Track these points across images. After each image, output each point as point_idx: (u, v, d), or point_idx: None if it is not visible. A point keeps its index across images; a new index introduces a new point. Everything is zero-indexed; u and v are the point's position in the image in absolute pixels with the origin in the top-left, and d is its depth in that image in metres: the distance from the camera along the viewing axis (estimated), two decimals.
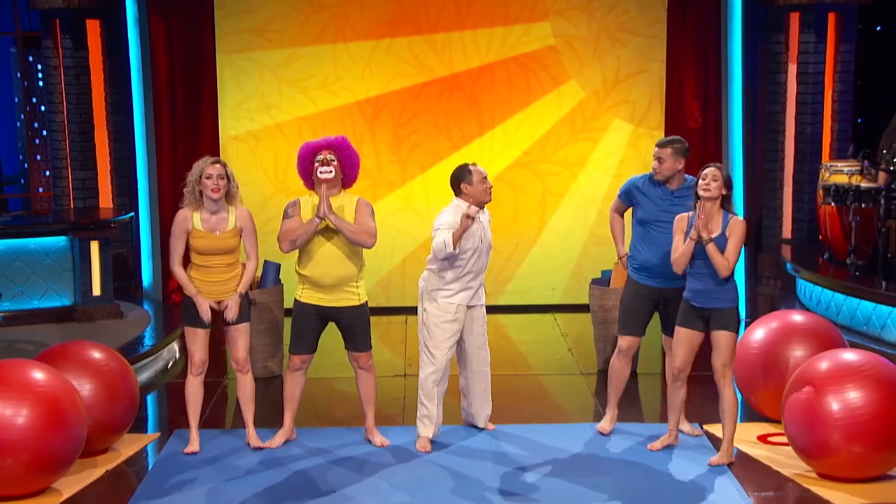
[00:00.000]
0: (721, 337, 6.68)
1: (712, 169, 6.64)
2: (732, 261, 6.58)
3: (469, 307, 7.09)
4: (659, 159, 7.00)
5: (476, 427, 7.36)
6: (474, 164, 7.04)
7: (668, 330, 7.14)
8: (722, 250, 6.57)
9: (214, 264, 6.82)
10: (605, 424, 7.29)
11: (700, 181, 6.62)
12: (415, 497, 6.31)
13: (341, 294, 6.90)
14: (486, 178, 6.98)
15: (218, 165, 6.79)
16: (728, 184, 6.61)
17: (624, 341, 7.18)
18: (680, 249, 6.66)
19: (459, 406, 7.47)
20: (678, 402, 6.93)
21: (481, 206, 6.98)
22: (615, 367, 7.25)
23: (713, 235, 6.55)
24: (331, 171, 6.78)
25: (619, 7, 10.57)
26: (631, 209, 7.20)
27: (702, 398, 7.85)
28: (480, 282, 7.10)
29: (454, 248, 6.76)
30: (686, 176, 7.05)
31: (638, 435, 7.19)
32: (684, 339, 6.76)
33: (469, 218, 6.67)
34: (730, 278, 6.65)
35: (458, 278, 6.98)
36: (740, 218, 6.65)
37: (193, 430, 7.05)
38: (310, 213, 6.84)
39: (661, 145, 7.06)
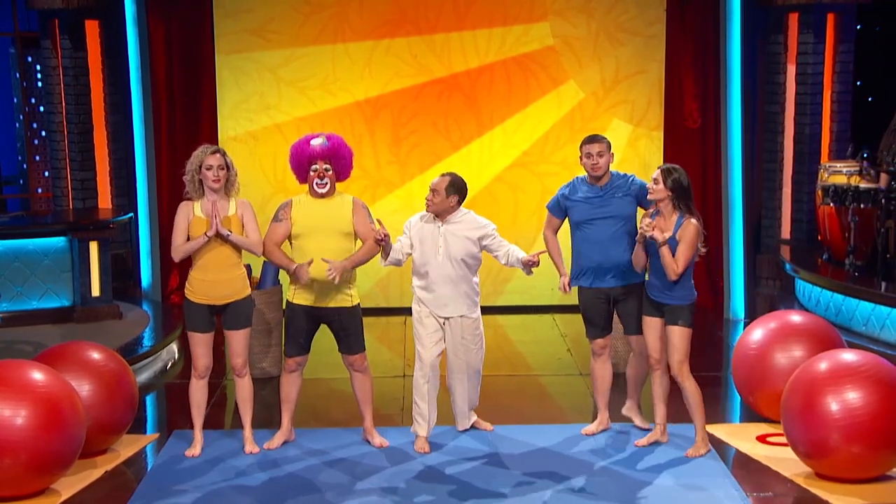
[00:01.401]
0: (673, 333, 6.77)
1: (657, 171, 6.75)
2: (681, 265, 6.64)
3: (445, 318, 7.07)
4: (599, 154, 6.96)
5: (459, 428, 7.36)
6: (441, 175, 7.09)
7: (628, 329, 7.20)
8: (673, 253, 6.64)
9: (214, 259, 6.78)
10: (591, 427, 7.32)
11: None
12: (414, 498, 6.31)
13: (334, 296, 6.89)
14: (430, 189, 7.03)
15: (217, 155, 6.77)
16: (675, 186, 6.64)
17: (595, 344, 7.22)
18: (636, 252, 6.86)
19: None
20: (661, 395, 7.00)
21: (433, 216, 7.04)
22: (595, 371, 7.29)
23: (666, 237, 6.64)
24: (326, 184, 6.82)
25: (618, 7, 10.57)
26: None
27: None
28: (451, 294, 7.02)
29: (383, 258, 6.93)
30: (611, 172, 7.08)
31: (637, 435, 7.18)
32: (651, 328, 6.88)
33: (377, 240, 6.78)
34: (683, 279, 6.69)
35: (423, 286, 7.04)
36: (693, 221, 6.66)
37: (197, 433, 7.04)
38: (302, 214, 6.85)
39: (594, 141, 6.98)
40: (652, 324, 6.87)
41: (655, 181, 6.69)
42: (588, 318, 7.21)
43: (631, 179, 7.07)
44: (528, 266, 6.95)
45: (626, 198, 7.01)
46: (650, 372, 7.01)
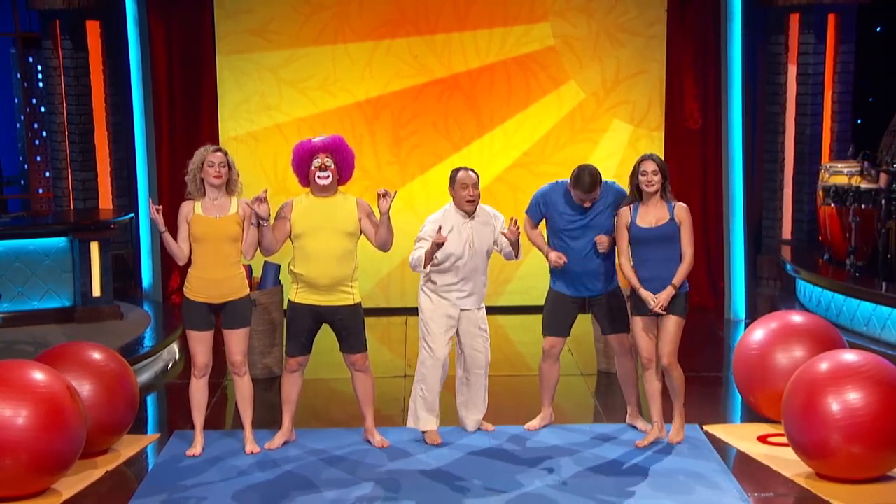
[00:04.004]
0: (670, 322, 6.82)
1: (650, 163, 6.80)
2: (692, 248, 6.79)
3: (463, 310, 7.11)
4: (592, 200, 6.92)
5: (466, 430, 7.36)
6: (465, 169, 7.04)
7: (605, 329, 7.23)
8: (671, 236, 6.75)
9: (214, 257, 6.78)
10: (533, 423, 7.37)
11: (640, 177, 6.77)
12: (415, 498, 6.31)
13: (336, 294, 6.89)
14: (467, 185, 6.96)
15: (219, 153, 6.80)
16: (665, 173, 6.77)
17: (547, 342, 7.23)
18: (622, 262, 6.93)
19: (455, 405, 7.52)
20: (656, 393, 7.02)
21: (467, 213, 7.02)
22: (543, 370, 7.31)
23: (662, 223, 6.77)
24: (328, 176, 6.81)
25: (619, 7, 10.57)
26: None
27: (702, 398, 7.87)
28: (476, 285, 7.10)
29: (424, 268, 6.90)
30: None
31: (637, 436, 7.18)
32: (643, 328, 6.90)
33: (437, 245, 6.77)
34: (674, 265, 6.78)
35: (447, 283, 7.04)
36: (683, 204, 6.82)
37: (198, 433, 7.04)
38: (303, 214, 6.86)
39: (585, 190, 6.86)
40: (645, 323, 6.88)
41: (654, 172, 6.75)
42: (549, 313, 7.22)
43: (608, 188, 7.04)
44: (513, 240, 6.91)
45: (606, 210, 7.00)
46: (642, 371, 7.01)
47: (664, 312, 6.78)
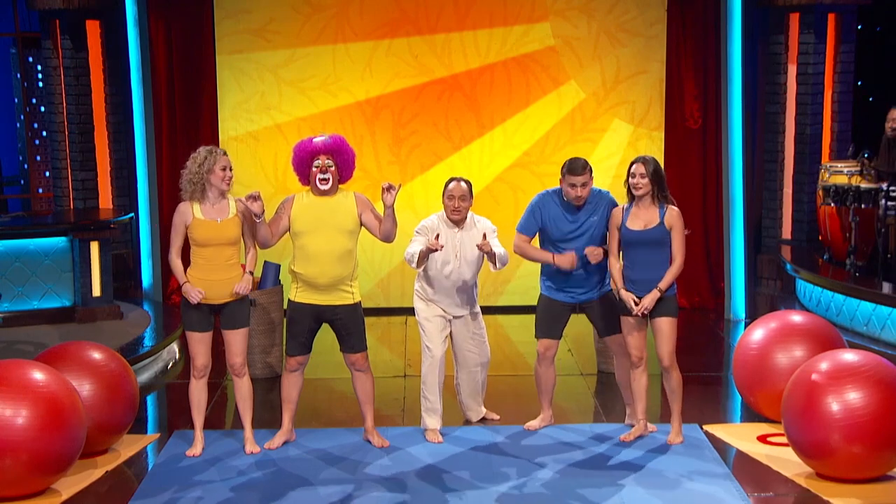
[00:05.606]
0: (664, 324, 6.86)
1: (640, 166, 6.79)
2: (683, 252, 6.79)
3: (455, 317, 7.24)
4: (583, 185, 6.89)
5: (470, 423, 7.50)
6: (457, 180, 7.11)
7: (602, 331, 7.22)
8: (660, 240, 6.75)
9: (215, 260, 6.79)
10: (534, 423, 7.39)
11: (630, 179, 6.79)
12: (414, 498, 6.31)
13: (336, 294, 6.90)
14: (454, 196, 7.04)
15: (227, 157, 6.81)
16: (655, 177, 6.74)
17: (541, 345, 7.23)
18: (613, 269, 6.93)
19: (456, 403, 7.62)
20: (642, 391, 7.05)
21: (454, 223, 7.10)
22: (538, 373, 7.32)
23: (650, 226, 6.77)
24: (328, 180, 6.81)
25: (619, 7, 10.57)
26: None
27: (702, 398, 7.87)
28: (465, 294, 7.21)
29: (418, 266, 7.01)
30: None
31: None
32: (633, 326, 6.91)
33: (432, 250, 6.87)
34: (665, 268, 6.80)
35: (435, 287, 7.18)
36: (676, 209, 6.81)
37: (198, 433, 7.04)
38: (303, 212, 6.86)
39: (576, 173, 6.87)
40: (633, 322, 6.90)
41: (642, 175, 6.74)
42: (542, 317, 7.21)
43: (601, 196, 7.03)
44: (487, 251, 6.97)
45: (598, 217, 7.00)
46: (632, 370, 7.02)
47: (647, 315, 6.80)
